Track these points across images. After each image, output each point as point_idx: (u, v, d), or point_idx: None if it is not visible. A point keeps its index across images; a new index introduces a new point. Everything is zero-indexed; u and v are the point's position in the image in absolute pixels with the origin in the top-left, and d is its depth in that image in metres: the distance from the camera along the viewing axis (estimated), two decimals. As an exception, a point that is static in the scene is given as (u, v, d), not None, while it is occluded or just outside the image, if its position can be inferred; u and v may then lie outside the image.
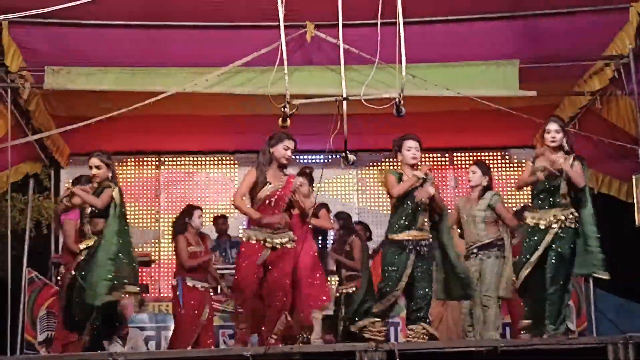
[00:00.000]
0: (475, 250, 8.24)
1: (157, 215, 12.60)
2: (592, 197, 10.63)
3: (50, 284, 10.56)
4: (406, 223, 7.25)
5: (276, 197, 7.21)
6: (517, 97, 9.44)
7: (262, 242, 7.15)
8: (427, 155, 12.47)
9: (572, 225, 7.17)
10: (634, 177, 9.03)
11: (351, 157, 7.40)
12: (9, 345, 9.12)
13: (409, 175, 7.34)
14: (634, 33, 8.76)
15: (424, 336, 7.18)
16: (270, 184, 7.22)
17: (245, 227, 7.45)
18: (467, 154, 12.76)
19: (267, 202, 7.21)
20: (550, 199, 7.22)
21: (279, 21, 7.38)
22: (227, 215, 11.87)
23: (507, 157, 12.85)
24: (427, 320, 7.33)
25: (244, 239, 7.27)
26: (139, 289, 7.61)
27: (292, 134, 7.37)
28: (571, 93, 10.11)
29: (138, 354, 6.96)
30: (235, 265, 7.43)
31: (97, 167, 7.47)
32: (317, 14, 8.55)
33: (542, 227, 7.20)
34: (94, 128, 9.26)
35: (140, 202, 12.68)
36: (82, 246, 7.41)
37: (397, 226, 7.28)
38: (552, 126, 7.31)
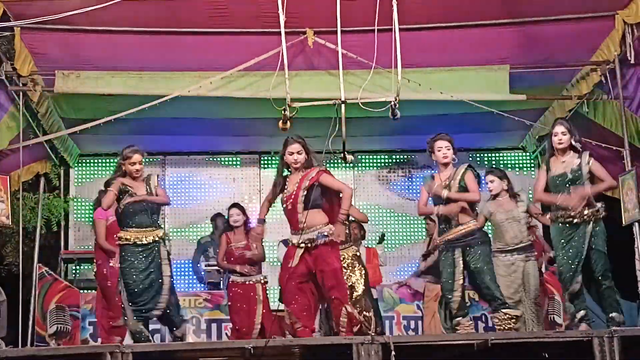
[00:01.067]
0: (516, 248, 8.47)
1: (162, 214, 12.67)
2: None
3: (60, 279, 10.72)
4: (444, 228, 7.51)
5: (291, 200, 7.19)
6: (508, 100, 9.63)
7: (295, 244, 7.17)
8: (422, 156, 12.64)
9: (602, 218, 7.32)
10: (620, 177, 9.16)
11: (349, 157, 7.65)
12: (21, 337, 9.27)
13: (441, 175, 7.51)
14: (620, 40, 8.94)
15: (511, 321, 7.32)
16: (286, 189, 7.26)
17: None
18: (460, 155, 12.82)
19: (285, 206, 7.27)
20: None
21: (280, 28, 7.63)
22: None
23: (497, 159, 12.93)
24: (507, 305, 7.43)
25: (288, 244, 7.32)
26: None
27: (296, 136, 7.35)
28: (559, 97, 10.25)
29: (144, 346, 6.94)
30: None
31: (141, 163, 7.74)
32: (316, 20, 8.69)
33: (576, 224, 7.28)
34: (102, 130, 9.53)
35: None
36: (151, 238, 7.64)
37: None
38: (559, 128, 7.44)
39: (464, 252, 7.36)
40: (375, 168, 12.99)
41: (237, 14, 8.82)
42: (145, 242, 7.61)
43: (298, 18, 8.50)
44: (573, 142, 7.39)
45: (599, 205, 7.37)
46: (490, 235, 7.96)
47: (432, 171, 7.85)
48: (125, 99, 9.38)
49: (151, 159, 12.78)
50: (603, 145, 9.70)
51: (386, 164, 13.00)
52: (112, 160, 12.33)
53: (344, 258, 8.43)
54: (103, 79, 9.43)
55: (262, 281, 9.23)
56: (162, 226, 7.71)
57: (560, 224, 7.38)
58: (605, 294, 7.28)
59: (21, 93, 9.41)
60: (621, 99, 9.18)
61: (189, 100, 9.57)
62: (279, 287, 7.80)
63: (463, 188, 7.41)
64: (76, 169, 12.52)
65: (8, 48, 9.46)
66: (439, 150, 7.51)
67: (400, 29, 7.41)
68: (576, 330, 7.04)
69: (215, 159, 12.98)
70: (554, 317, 10.00)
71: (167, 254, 7.80)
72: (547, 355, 7.02)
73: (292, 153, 7.21)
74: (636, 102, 9.30)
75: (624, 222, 9.18)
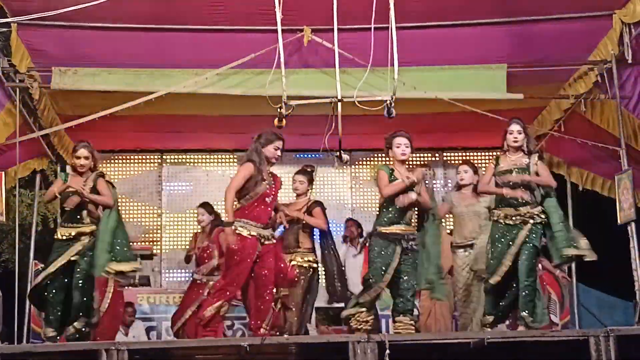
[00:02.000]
0: (471, 243, 8.44)
1: (158, 211, 12.74)
2: (577, 195, 10.97)
3: (56, 276, 10.73)
4: (395, 217, 7.44)
5: (272, 195, 7.41)
6: (505, 99, 9.63)
7: (256, 236, 7.28)
8: (417, 154, 12.69)
9: (541, 221, 7.38)
10: (616, 177, 9.18)
11: (345, 156, 7.66)
12: (17, 334, 9.37)
13: (400, 172, 7.52)
14: (617, 39, 8.99)
15: (411, 327, 7.35)
16: (265, 180, 7.36)
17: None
18: (456, 154, 12.89)
19: (265, 199, 7.37)
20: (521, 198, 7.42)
21: (276, 25, 7.64)
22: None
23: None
24: (413, 312, 7.53)
25: (241, 232, 7.27)
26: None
27: (280, 133, 7.52)
28: (557, 96, 10.27)
29: (140, 344, 6.98)
30: (228, 258, 7.41)
31: (86, 158, 7.65)
32: (313, 18, 8.70)
33: (515, 223, 7.38)
34: (99, 126, 9.51)
35: (142, 197, 12.81)
36: (79, 231, 7.56)
37: (385, 220, 7.45)
38: (515, 127, 7.51)
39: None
40: (371, 167, 12.98)
41: (233, 11, 8.84)
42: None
43: (295, 16, 8.49)
44: (526, 144, 7.49)
45: (539, 209, 7.41)
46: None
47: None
48: (123, 96, 9.32)
49: (147, 156, 12.81)
50: (600, 144, 9.74)
51: (382, 163, 12.95)
52: (108, 157, 12.36)
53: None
54: (100, 75, 9.43)
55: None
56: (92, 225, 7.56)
57: (500, 223, 7.46)
58: (526, 291, 7.28)
59: (18, 89, 9.41)
60: (618, 99, 9.22)
61: (186, 97, 9.58)
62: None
63: None
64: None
65: (5, 44, 9.48)
66: (398, 147, 7.60)
67: (397, 28, 7.40)
68: (572, 330, 7.06)
69: (211, 156, 12.99)
70: (549, 316, 10.00)
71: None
72: (543, 355, 7.03)
73: (278, 149, 7.44)
74: (633, 102, 9.33)
75: (619, 222, 9.22)
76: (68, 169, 11.89)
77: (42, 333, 7.71)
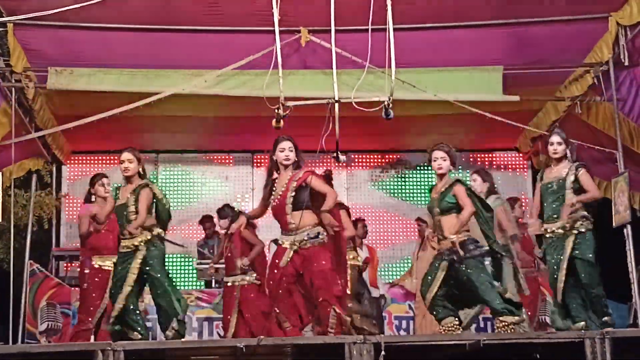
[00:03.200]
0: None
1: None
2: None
3: (51, 276, 10.72)
4: None
5: (278, 201, 7.12)
6: (501, 101, 9.65)
7: (285, 244, 7.13)
8: (413, 157, 12.77)
9: (586, 229, 7.24)
10: (612, 179, 9.21)
11: (342, 157, 7.67)
12: (11, 334, 9.33)
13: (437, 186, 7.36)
14: (613, 41, 9.02)
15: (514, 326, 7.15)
16: (275, 189, 7.19)
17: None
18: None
19: (273, 205, 7.20)
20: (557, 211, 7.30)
21: (274, 26, 7.65)
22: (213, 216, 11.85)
23: (490, 160, 12.95)
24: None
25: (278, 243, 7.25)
26: None
27: (286, 134, 7.31)
28: (553, 98, 10.31)
29: (136, 344, 6.94)
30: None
31: (130, 161, 7.39)
32: (311, 19, 8.73)
33: (558, 237, 7.27)
34: (95, 127, 9.53)
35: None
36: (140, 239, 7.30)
37: None
38: (555, 138, 7.36)
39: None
40: (368, 168, 12.99)
41: (231, 12, 8.86)
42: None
43: (292, 17, 8.54)
44: (567, 154, 7.34)
45: (583, 213, 7.26)
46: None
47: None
48: (118, 97, 9.37)
49: (143, 157, 12.79)
50: (596, 147, 9.76)
51: (379, 164, 13.01)
52: (104, 158, 12.35)
53: None
54: (96, 75, 9.45)
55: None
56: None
57: (547, 236, 7.39)
58: (594, 301, 7.24)
59: (14, 89, 9.43)
60: (614, 101, 9.24)
61: (182, 98, 9.60)
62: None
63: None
64: (68, 166, 12.50)
65: (0, 44, 9.46)
66: (435, 161, 7.32)
67: (394, 29, 7.41)
68: (568, 331, 7.05)
69: (208, 157, 12.98)
70: (545, 318, 10.02)
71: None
72: (538, 356, 7.03)
73: (284, 150, 7.14)
74: (629, 104, 9.35)
75: (614, 224, 9.24)
76: (63, 170, 12.01)
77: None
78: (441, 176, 7.27)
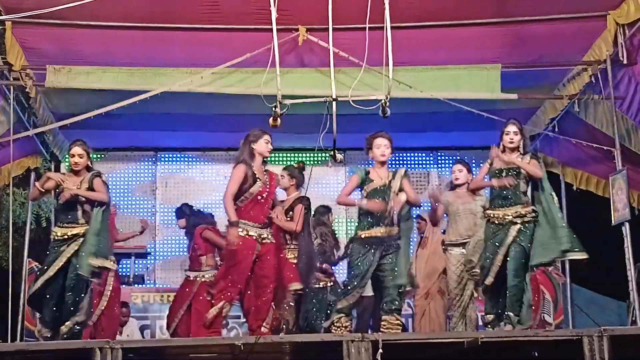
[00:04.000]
0: (466, 241, 8.35)
1: (153, 209, 12.75)
2: (571, 195, 10.96)
3: (50, 275, 10.72)
4: (374, 220, 7.40)
5: (266, 193, 7.40)
6: (499, 99, 9.66)
7: (254, 237, 7.32)
8: (411, 154, 12.84)
9: (533, 221, 7.38)
10: (610, 177, 9.20)
11: (339, 155, 7.67)
12: (10, 333, 9.35)
13: (378, 174, 7.52)
14: (611, 39, 9.01)
15: (398, 327, 7.30)
16: (259, 180, 7.39)
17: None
18: (450, 154, 12.77)
19: (259, 197, 7.40)
20: (511, 197, 7.42)
21: (272, 24, 7.65)
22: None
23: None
24: (401, 311, 7.45)
25: (240, 233, 7.29)
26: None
27: (265, 129, 7.54)
28: (551, 96, 10.30)
29: (134, 342, 6.96)
30: (227, 259, 7.47)
31: (80, 156, 7.54)
32: (308, 18, 8.71)
33: (504, 223, 7.39)
34: (93, 125, 9.53)
35: (137, 195, 12.80)
36: (74, 232, 7.43)
37: (365, 224, 7.44)
38: (511, 128, 7.51)
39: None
40: (365, 166, 12.93)
41: (228, 10, 8.85)
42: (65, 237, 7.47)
43: (290, 15, 8.54)
44: (522, 145, 7.48)
45: (529, 208, 7.40)
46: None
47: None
48: (116, 94, 9.35)
49: (142, 155, 12.80)
50: (594, 145, 9.76)
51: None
52: (102, 156, 12.35)
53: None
54: (94, 74, 9.44)
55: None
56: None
57: (492, 223, 7.48)
58: (512, 291, 7.29)
59: (12, 87, 9.43)
60: (612, 99, 9.23)
61: (180, 96, 9.59)
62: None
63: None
64: (67, 164, 12.47)
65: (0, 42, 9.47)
66: (378, 148, 7.52)
67: (391, 27, 7.41)
68: (566, 330, 7.06)
69: (206, 155, 12.97)
70: (543, 316, 10.02)
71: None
72: (536, 354, 7.03)
73: (269, 142, 7.48)
74: (627, 103, 9.35)
75: (613, 222, 9.23)
76: (62, 168, 12.00)
77: (37, 332, 7.66)
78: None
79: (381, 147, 7.52)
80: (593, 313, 7.90)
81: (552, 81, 10.12)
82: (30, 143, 10.55)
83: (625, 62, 9.04)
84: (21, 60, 9.18)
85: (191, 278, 9.36)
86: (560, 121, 10.49)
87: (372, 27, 7.53)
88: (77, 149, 7.58)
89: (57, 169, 12.27)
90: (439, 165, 13.02)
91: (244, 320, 10.27)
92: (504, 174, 7.49)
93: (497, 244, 7.41)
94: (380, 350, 6.35)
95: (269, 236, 7.47)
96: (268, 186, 7.47)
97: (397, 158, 12.88)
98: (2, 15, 8.69)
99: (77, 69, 9.40)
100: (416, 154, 12.95)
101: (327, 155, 7.99)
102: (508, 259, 7.35)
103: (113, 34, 9.13)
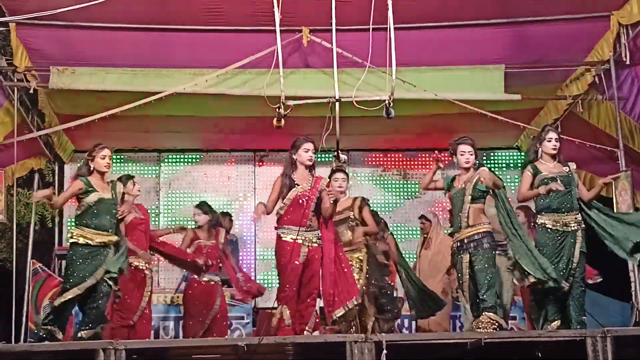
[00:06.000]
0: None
1: (157, 210, 12.76)
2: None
3: (54, 275, 10.65)
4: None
5: (307, 197, 7.28)
6: (502, 100, 9.67)
7: (299, 240, 7.28)
8: (416, 155, 12.82)
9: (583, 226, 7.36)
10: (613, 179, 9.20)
11: (342, 156, 7.69)
12: (14, 333, 9.37)
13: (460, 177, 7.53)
14: (614, 40, 9.04)
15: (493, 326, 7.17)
16: (298, 185, 7.31)
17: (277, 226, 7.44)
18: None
19: (299, 201, 7.30)
20: (568, 204, 7.34)
21: (275, 26, 7.67)
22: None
23: (492, 159, 12.91)
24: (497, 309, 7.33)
25: (283, 238, 7.30)
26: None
27: (308, 137, 7.40)
28: (554, 97, 10.31)
29: (137, 343, 6.93)
30: (277, 265, 7.47)
31: (110, 158, 7.35)
32: (312, 19, 8.74)
33: (569, 230, 7.32)
34: (97, 126, 9.57)
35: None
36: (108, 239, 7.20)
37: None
38: (553, 135, 7.52)
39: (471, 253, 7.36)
40: (369, 167, 12.99)
41: (232, 11, 8.87)
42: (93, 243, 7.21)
43: (293, 16, 8.54)
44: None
45: (579, 215, 7.37)
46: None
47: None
48: (120, 96, 9.38)
49: (146, 156, 12.81)
50: (597, 145, 9.76)
51: (381, 163, 13.01)
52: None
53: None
54: (97, 75, 9.48)
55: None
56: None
57: (548, 229, 7.36)
58: (582, 296, 7.30)
59: (16, 89, 9.46)
60: (616, 100, 9.25)
61: (184, 98, 9.60)
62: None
63: (478, 191, 7.41)
64: (70, 165, 12.51)
65: (3, 44, 9.49)
66: (462, 155, 7.50)
67: (395, 28, 7.42)
68: (569, 330, 7.03)
69: (210, 157, 12.96)
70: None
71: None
72: (540, 355, 7.03)
73: (308, 150, 7.34)
74: (630, 103, 9.35)
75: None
76: (66, 169, 12.03)
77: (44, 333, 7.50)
78: (467, 169, 7.47)
79: (466, 153, 7.52)
80: (596, 314, 7.87)
81: (555, 82, 10.14)
82: (33, 144, 10.58)
83: (628, 62, 9.05)
84: (25, 62, 9.21)
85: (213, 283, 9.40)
86: (563, 122, 10.48)
87: (375, 28, 7.54)
88: (107, 151, 7.37)
89: (61, 170, 12.33)
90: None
91: (248, 321, 10.36)
92: (558, 181, 7.35)
93: (562, 250, 7.31)
94: (385, 351, 6.35)
95: (316, 239, 7.36)
96: (307, 191, 7.32)
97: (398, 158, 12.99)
98: (6, 17, 8.71)
99: (80, 70, 9.43)
100: (420, 154, 12.89)
101: (331, 155, 7.98)
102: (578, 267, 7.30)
103: (116, 36, 9.16)
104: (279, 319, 7.31)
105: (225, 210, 11.17)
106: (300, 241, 7.26)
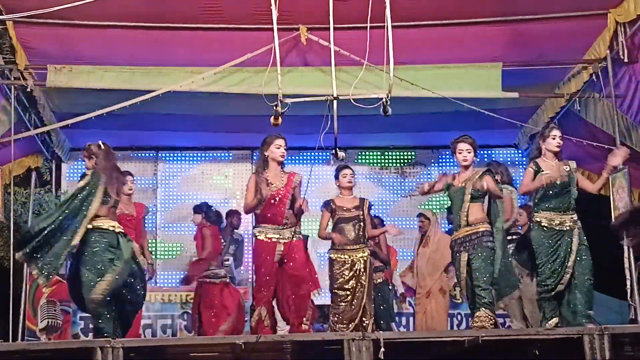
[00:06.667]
0: None
1: (154, 208, 12.71)
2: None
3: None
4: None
5: (280, 195, 7.45)
6: (500, 98, 9.69)
7: (274, 239, 7.45)
8: (412, 153, 12.86)
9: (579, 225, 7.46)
10: (610, 177, 9.19)
11: (341, 153, 7.69)
12: (11, 332, 9.32)
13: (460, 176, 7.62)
14: (612, 38, 9.01)
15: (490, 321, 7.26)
16: (272, 184, 7.47)
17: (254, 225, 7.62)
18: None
19: (272, 200, 7.47)
20: (564, 203, 7.44)
21: (273, 24, 7.66)
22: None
23: (490, 156, 12.65)
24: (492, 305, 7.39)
25: (259, 237, 7.47)
26: None
27: (279, 133, 7.67)
28: (551, 95, 10.32)
29: (135, 341, 6.95)
30: (254, 264, 7.63)
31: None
32: (309, 17, 8.72)
33: (565, 229, 7.42)
34: (94, 124, 9.55)
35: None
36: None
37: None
38: (558, 132, 7.58)
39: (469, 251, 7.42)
40: (367, 165, 12.99)
41: (230, 9, 8.84)
42: None
43: (291, 14, 8.53)
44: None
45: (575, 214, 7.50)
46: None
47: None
48: (118, 94, 9.36)
49: (143, 154, 12.81)
50: (594, 143, 9.76)
51: (378, 161, 13.00)
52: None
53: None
54: (95, 73, 9.46)
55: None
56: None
57: (544, 227, 7.45)
58: (590, 290, 7.37)
59: (13, 87, 9.44)
60: (613, 98, 9.23)
61: (182, 96, 9.59)
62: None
63: (478, 190, 7.44)
64: (68, 163, 12.51)
65: (0, 42, 9.46)
66: (460, 153, 7.64)
67: (392, 26, 7.42)
68: (566, 328, 7.06)
69: (207, 155, 12.98)
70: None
71: None
72: (537, 353, 7.04)
73: (280, 147, 7.56)
74: (627, 101, 9.34)
75: (613, 221, 9.10)
76: (63, 168, 12.03)
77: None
78: (466, 167, 7.58)
79: (464, 152, 7.66)
80: (594, 311, 7.88)
81: (553, 80, 10.14)
82: (31, 143, 10.57)
83: (625, 60, 9.02)
84: (23, 60, 9.18)
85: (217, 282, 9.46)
86: (560, 120, 10.47)
87: (373, 26, 7.54)
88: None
89: (58, 169, 12.32)
90: (439, 164, 13.01)
91: (247, 319, 10.37)
92: (560, 183, 7.45)
93: (558, 250, 7.40)
94: (382, 349, 6.36)
95: (292, 235, 7.49)
96: (282, 189, 7.51)
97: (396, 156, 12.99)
98: (3, 15, 8.68)
99: (78, 69, 9.41)
100: (418, 152, 12.95)
101: (329, 153, 7.98)
102: (578, 259, 7.38)
103: (114, 34, 9.12)
104: (257, 320, 7.38)
105: (232, 208, 11.24)
106: (275, 239, 7.39)
